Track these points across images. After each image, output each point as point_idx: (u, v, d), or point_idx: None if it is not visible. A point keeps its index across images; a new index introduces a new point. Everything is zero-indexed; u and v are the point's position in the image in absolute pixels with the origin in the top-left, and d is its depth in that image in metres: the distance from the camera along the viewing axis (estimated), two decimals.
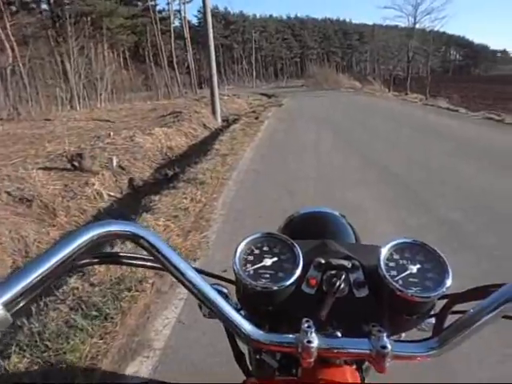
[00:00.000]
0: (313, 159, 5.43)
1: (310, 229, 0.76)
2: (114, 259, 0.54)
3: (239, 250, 0.51)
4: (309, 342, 0.43)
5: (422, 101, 17.88)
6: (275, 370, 0.59)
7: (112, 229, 0.42)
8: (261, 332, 0.46)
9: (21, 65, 19.05)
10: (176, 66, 31.95)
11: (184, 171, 5.09)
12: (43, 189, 4.81)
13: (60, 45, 22.01)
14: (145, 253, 0.46)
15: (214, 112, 12.90)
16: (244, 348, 0.58)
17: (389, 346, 0.42)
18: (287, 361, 0.56)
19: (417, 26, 26.33)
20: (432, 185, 4.14)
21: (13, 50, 19.00)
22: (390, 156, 5.59)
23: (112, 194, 5.41)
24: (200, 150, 7.92)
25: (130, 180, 6.04)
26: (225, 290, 0.52)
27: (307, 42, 76.12)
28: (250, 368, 0.63)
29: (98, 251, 0.53)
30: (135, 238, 0.44)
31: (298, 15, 76.44)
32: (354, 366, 0.53)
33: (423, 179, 4.37)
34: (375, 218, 3.18)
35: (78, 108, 19.61)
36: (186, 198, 3.61)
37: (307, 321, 0.45)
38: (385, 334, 0.43)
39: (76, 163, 5.55)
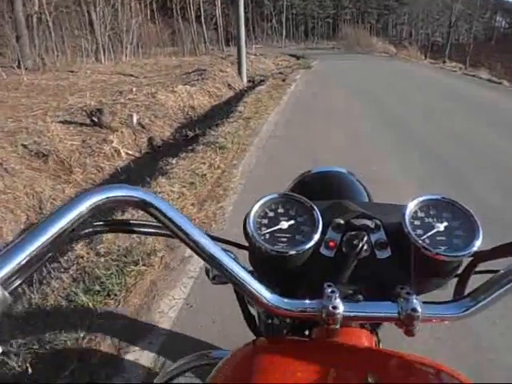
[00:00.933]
0: (341, 128, 5.06)
1: (322, 189, 0.72)
2: (120, 227, 0.51)
3: (253, 213, 0.47)
4: (334, 307, 0.41)
5: (461, 70, 16.73)
6: (287, 332, 0.57)
7: (116, 194, 0.39)
8: (283, 299, 0.43)
9: (47, 13, 18.70)
10: (203, 22, 30.86)
11: (204, 133, 4.85)
12: (60, 144, 4.69)
13: None
14: (153, 220, 0.43)
15: (239, 72, 12.43)
16: (254, 309, 0.57)
17: (419, 309, 0.40)
18: (299, 321, 0.54)
19: None
20: (476, 167, 3.74)
21: None
22: (429, 131, 5.15)
23: (130, 152, 5.27)
24: (223, 111, 7.63)
25: (150, 139, 5.87)
26: (232, 256, 0.46)
27: (342, 1, 72.01)
28: (261, 329, 0.62)
29: (103, 218, 0.50)
30: (142, 205, 0.41)
31: None
32: (369, 329, 0.50)
33: (467, 159, 3.97)
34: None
35: (102, 60, 19.29)
36: (204, 163, 3.40)
37: (329, 285, 0.43)
38: (414, 297, 0.41)
39: (95, 119, 5.39)
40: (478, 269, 0.47)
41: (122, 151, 5.07)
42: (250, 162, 3.68)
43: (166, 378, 0.70)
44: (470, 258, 0.46)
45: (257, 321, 0.62)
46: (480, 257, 0.46)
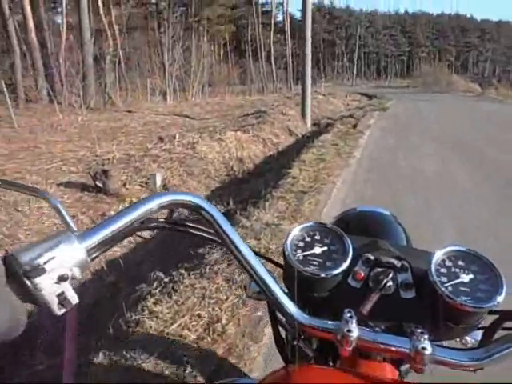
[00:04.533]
0: (449, 227, 3.14)
1: (363, 226, 0.75)
2: (179, 227, 0.59)
3: (291, 236, 0.52)
4: (349, 330, 0.43)
5: None
6: (312, 359, 0.58)
7: (179, 198, 0.46)
8: (304, 315, 0.47)
9: (121, 54, 19.23)
10: (273, 61, 30.66)
11: (235, 214, 3.27)
12: (36, 225, 3.38)
13: (160, 36, 22.00)
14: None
15: (303, 114, 10.99)
16: (284, 334, 0.59)
17: (429, 348, 0.42)
18: (324, 350, 0.55)
19: None
20: None
21: (114, 38, 19.23)
22: None
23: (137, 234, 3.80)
24: (276, 165, 6.08)
25: (171, 213, 4.41)
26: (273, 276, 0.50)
27: (418, 38, 69.53)
28: (289, 355, 0.63)
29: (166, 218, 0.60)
30: (198, 210, 0.47)
31: (409, 10, 69.96)
32: (392, 364, 0.51)
33: None
34: None
35: (168, 100, 19.25)
36: (199, 319, 1.78)
37: (349, 311, 0.46)
38: (426, 336, 0.43)
39: (100, 183, 4.08)
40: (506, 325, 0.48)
41: None
42: None
43: None
44: (494, 316, 0.48)
45: (286, 346, 0.62)
46: (506, 315, 0.47)
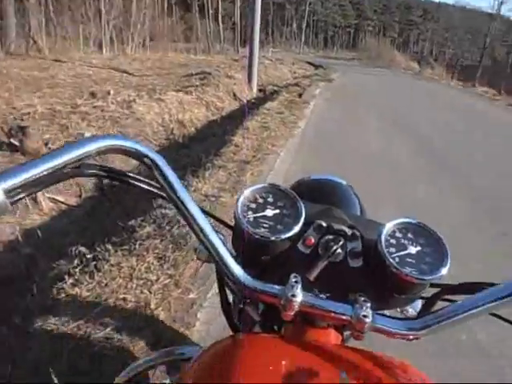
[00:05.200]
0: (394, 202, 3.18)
1: (318, 194, 0.73)
2: (120, 177, 0.52)
3: (243, 196, 0.51)
4: (293, 295, 0.43)
5: (495, 96, 14.84)
6: (257, 324, 0.58)
7: (123, 143, 0.41)
8: (249, 277, 0.46)
9: None
10: (221, 20, 29.25)
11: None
12: None
13: None
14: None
15: (249, 79, 10.61)
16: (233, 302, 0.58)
17: (370, 317, 0.43)
18: (270, 315, 0.55)
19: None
20: None
21: None
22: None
23: (60, 199, 3.42)
24: (219, 130, 5.81)
25: None
26: (221, 237, 0.48)
27: (366, 11, 70.36)
28: (236, 322, 0.64)
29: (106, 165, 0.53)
30: (142, 158, 0.43)
31: None
32: (337, 330, 0.52)
33: None
34: None
35: (104, 51, 17.62)
36: (124, 304, 1.56)
37: (295, 276, 0.45)
38: (369, 305, 0.44)
39: (16, 141, 3.56)
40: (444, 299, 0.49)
41: (42, 201, 3.23)
42: None
43: (132, 374, 0.67)
44: (435, 289, 0.49)
45: (233, 313, 0.60)
46: (447, 288, 0.48)
